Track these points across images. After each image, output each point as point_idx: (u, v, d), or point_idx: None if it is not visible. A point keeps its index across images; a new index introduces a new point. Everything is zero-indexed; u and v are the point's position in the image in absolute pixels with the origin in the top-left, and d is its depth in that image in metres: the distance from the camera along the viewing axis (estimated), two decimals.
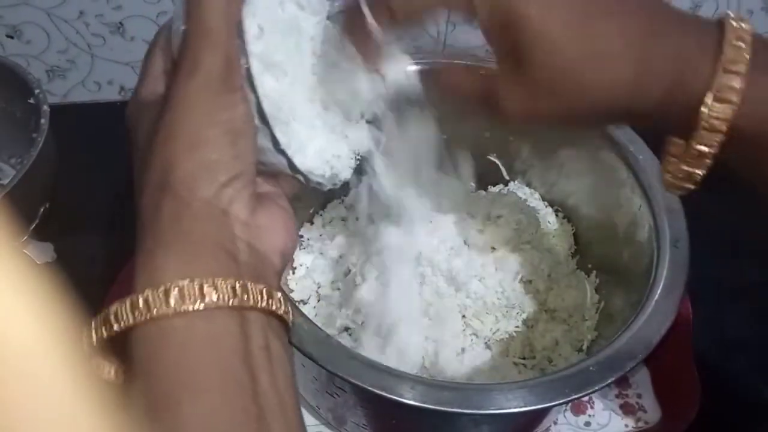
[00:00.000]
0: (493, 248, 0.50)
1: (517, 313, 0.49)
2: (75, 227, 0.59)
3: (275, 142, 0.28)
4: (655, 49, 0.27)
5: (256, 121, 0.28)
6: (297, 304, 0.51)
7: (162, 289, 0.23)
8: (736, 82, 0.25)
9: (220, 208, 0.26)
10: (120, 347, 0.25)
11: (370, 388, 0.35)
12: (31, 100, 0.54)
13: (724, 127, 0.26)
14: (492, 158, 0.58)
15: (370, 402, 0.41)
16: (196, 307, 0.23)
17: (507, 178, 0.58)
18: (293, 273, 0.53)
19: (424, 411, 0.35)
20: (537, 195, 0.57)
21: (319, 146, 0.32)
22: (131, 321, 0.23)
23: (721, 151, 0.27)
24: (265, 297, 0.25)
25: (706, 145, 0.27)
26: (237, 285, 0.24)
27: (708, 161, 0.27)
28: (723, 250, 0.54)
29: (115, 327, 0.23)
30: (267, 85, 0.29)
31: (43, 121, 0.52)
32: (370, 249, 0.49)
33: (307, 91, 0.32)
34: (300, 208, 0.55)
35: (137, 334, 0.23)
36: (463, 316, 0.47)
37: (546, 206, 0.56)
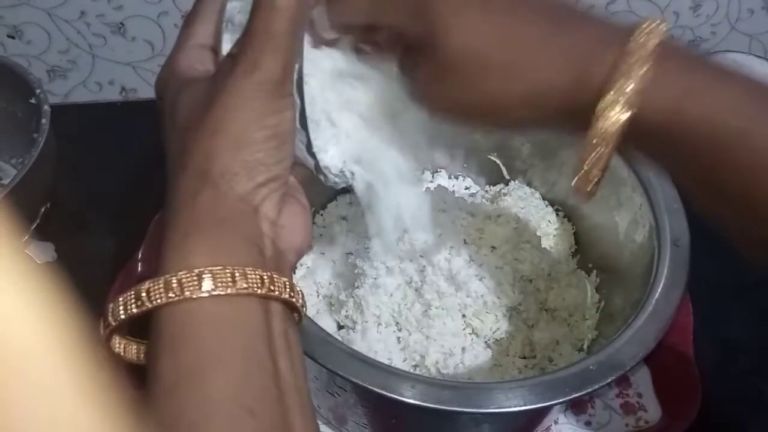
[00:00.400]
0: (494, 247, 0.50)
1: (518, 313, 0.49)
2: (76, 227, 0.59)
3: (309, 145, 0.29)
4: (555, 46, 0.27)
5: (297, 122, 0.29)
6: None
7: (196, 272, 0.24)
8: (634, 84, 0.26)
9: (253, 205, 0.27)
10: (129, 330, 0.26)
11: (370, 387, 0.35)
12: (32, 100, 0.54)
13: (617, 129, 0.26)
14: (492, 158, 0.58)
15: (370, 401, 0.41)
16: (226, 292, 0.24)
17: (507, 177, 0.58)
18: (294, 273, 0.53)
19: (425, 410, 0.36)
20: (537, 194, 0.57)
21: (339, 147, 0.33)
22: (163, 300, 0.24)
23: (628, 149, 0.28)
24: (288, 289, 0.26)
25: (601, 144, 0.27)
26: (265, 276, 0.25)
27: (603, 162, 0.28)
28: (724, 249, 0.54)
29: (147, 304, 0.24)
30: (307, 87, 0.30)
31: (44, 121, 0.52)
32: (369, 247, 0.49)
33: (331, 92, 0.33)
34: None
35: (165, 313, 0.24)
36: (464, 316, 0.47)
37: (546, 205, 0.56)
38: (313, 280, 0.52)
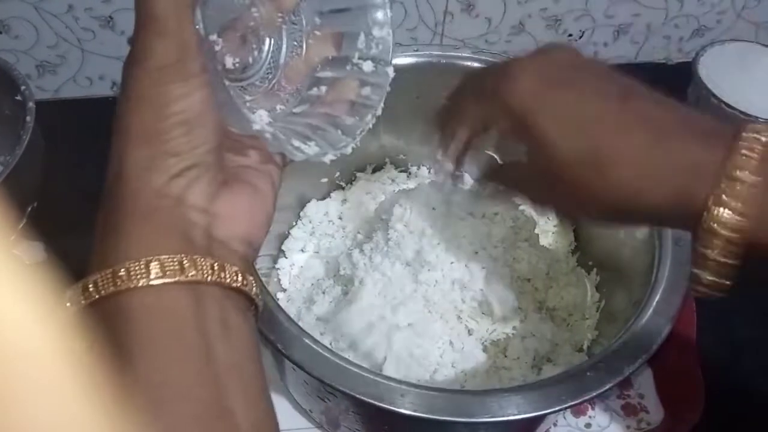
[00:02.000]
0: (493, 247, 0.48)
1: (515, 313, 0.47)
2: (66, 226, 0.58)
3: (237, 109, 0.28)
4: (660, 157, 0.28)
5: (226, 82, 0.27)
6: (289, 303, 0.50)
7: (110, 271, 0.24)
8: (742, 190, 0.26)
9: (173, 196, 0.26)
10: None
11: (360, 397, 0.34)
12: (18, 97, 0.53)
13: (728, 233, 0.26)
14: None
15: (361, 408, 0.40)
16: (143, 283, 0.24)
17: None
18: (291, 269, 0.52)
19: (416, 419, 0.34)
20: None
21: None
22: (95, 297, 0.24)
23: (744, 259, 0.27)
24: (216, 270, 0.25)
25: (710, 248, 0.27)
26: (185, 260, 0.25)
27: (723, 269, 0.27)
28: None
29: (83, 301, 0.24)
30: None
31: (28, 118, 0.51)
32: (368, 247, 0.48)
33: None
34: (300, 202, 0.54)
35: (98, 307, 0.24)
36: (459, 317, 0.46)
37: None
38: (306, 278, 0.51)
